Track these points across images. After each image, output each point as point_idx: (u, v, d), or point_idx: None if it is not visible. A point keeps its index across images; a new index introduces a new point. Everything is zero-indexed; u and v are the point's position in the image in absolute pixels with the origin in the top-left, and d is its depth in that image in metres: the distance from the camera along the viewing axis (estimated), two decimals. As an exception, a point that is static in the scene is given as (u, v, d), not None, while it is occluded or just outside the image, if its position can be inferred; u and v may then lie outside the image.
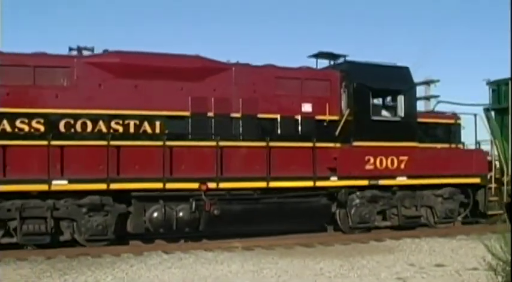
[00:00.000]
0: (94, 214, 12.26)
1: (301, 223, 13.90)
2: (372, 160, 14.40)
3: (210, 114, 13.37)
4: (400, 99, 14.89)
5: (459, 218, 16.18)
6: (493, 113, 18.36)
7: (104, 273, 9.80)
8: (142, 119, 12.82)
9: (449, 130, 15.89)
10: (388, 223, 15.21)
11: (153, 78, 12.89)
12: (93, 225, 12.21)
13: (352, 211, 14.45)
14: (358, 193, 14.48)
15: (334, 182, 14.03)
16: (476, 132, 16.08)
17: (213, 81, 13.44)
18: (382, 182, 14.52)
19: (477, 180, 15.82)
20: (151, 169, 12.61)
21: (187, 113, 13.18)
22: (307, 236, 14.24)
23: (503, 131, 17.46)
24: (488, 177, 16.04)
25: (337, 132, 14.12)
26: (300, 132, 14.06)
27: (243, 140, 13.58)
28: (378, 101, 15.27)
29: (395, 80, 14.86)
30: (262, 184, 13.31)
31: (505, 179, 16.58)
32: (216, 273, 9.85)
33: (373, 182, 14.39)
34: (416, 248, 12.75)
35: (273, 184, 13.43)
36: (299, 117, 14.12)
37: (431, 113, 16.11)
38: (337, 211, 14.62)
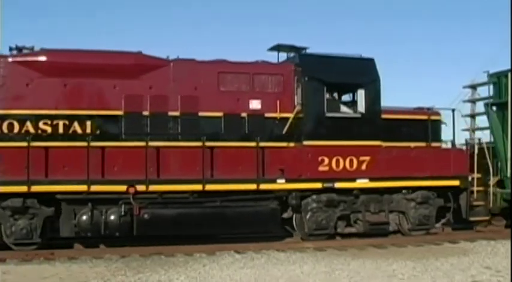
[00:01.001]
0: (19, 217, 11.95)
1: (246, 228, 12.98)
2: (326, 161, 13.28)
3: (146, 113, 12.73)
4: (361, 93, 13.62)
5: (438, 225, 14.65)
6: (494, 109, 16.69)
7: (177, 273, 9.91)
8: (71, 119, 12.37)
9: (425, 127, 14.36)
10: (353, 230, 13.98)
11: (83, 77, 12.42)
12: (17, 228, 11.90)
13: (308, 216, 13.39)
14: (314, 197, 13.39)
15: (281, 184, 13.03)
16: (454, 129, 14.56)
17: (149, 78, 12.79)
18: (338, 185, 13.36)
19: (456, 182, 14.30)
20: (79, 171, 12.15)
21: (120, 112, 12.61)
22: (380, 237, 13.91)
23: (505, 127, 15.78)
24: (470, 179, 14.44)
25: (284, 131, 13.08)
26: (246, 131, 13.12)
27: (182, 140, 12.83)
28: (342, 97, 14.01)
29: (355, 73, 13.60)
30: (197, 187, 12.54)
31: (492, 181, 14.98)
32: (288, 273, 9.88)
33: (327, 185, 13.26)
34: (492, 250, 12.29)
35: (210, 187, 12.62)
36: (245, 115, 13.16)
37: (402, 109, 14.62)
38: (294, 216, 13.59)
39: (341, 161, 13.37)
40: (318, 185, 13.21)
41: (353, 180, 13.45)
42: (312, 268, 10.31)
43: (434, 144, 14.38)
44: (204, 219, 12.59)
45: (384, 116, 13.98)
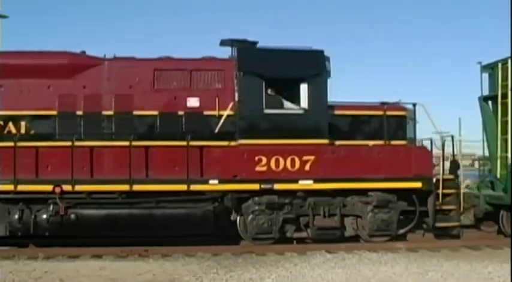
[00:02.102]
0: None
1: (176, 231, 12.55)
2: (264, 161, 12.58)
3: (79, 112, 12.68)
4: (303, 88, 12.76)
5: (402, 231, 13.46)
6: (490, 103, 15.19)
7: (268, 271, 10.01)
8: (6, 119, 12.55)
9: (388, 124, 13.20)
10: (304, 234, 13.16)
11: (18, 77, 12.55)
12: None
13: (249, 219, 12.77)
14: (256, 199, 12.74)
15: (214, 185, 12.49)
16: (415, 125, 13.27)
17: (83, 77, 12.74)
18: (278, 186, 12.60)
19: (417, 184, 13.05)
20: (9, 171, 12.30)
21: (53, 112, 12.64)
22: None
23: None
24: (435, 180, 13.15)
25: (217, 130, 12.54)
26: (183, 130, 12.72)
27: (115, 139, 12.65)
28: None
29: (298, 66, 12.77)
30: (125, 187, 12.31)
31: (464, 183, 13.55)
32: (380, 274, 9.83)
33: (265, 186, 12.56)
34: None
35: (138, 188, 12.35)
36: (183, 114, 12.77)
37: (357, 104, 13.53)
38: (238, 219, 13.02)
39: (281, 160, 12.62)
40: (255, 186, 12.54)
41: (295, 181, 12.63)
42: (404, 269, 10.19)
43: (396, 142, 13.18)
44: (132, 221, 12.33)
45: (337, 112, 13.05)
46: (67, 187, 12.25)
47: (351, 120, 13.22)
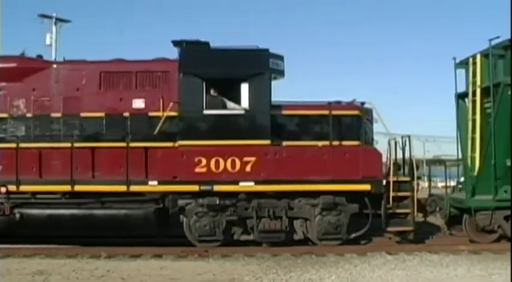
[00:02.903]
0: None
1: (118, 231, 12.64)
2: (204, 162, 12.48)
3: (29, 115, 13.03)
4: (244, 88, 12.57)
5: (354, 235, 12.97)
6: (466, 101, 14.46)
7: (328, 272, 10.08)
8: (-40, 122, 13.03)
9: (335, 124, 12.78)
10: (250, 237, 12.94)
11: None
12: None
13: (191, 221, 12.70)
14: (200, 200, 12.65)
15: (153, 187, 12.51)
16: (361, 125, 12.75)
17: (33, 81, 13.08)
18: (218, 188, 12.47)
19: (366, 187, 12.55)
20: None
21: (5, 115, 13.05)
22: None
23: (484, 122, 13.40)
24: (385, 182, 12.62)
25: (156, 131, 12.55)
26: (128, 131, 12.82)
27: (63, 141, 12.90)
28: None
29: (239, 66, 12.59)
30: (67, 188, 12.54)
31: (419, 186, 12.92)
32: (441, 276, 9.76)
33: (205, 188, 12.45)
34: None
35: (79, 188, 12.55)
36: (128, 115, 12.88)
37: (306, 104, 13.16)
38: (184, 221, 12.97)
39: (221, 162, 12.48)
40: (195, 188, 12.45)
41: (236, 183, 12.45)
42: (466, 271, 10.02)
43: (348, 142, 12.74)
44: (74, 221, 12.52)
45: (282, 112, 12.79)
46: (12, 187, 12.56)
47: (298, 120, 12.87)
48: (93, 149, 12.76)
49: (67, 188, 12.53)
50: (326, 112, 12.67)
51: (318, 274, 9.84)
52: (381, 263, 10.83)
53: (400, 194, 12.85)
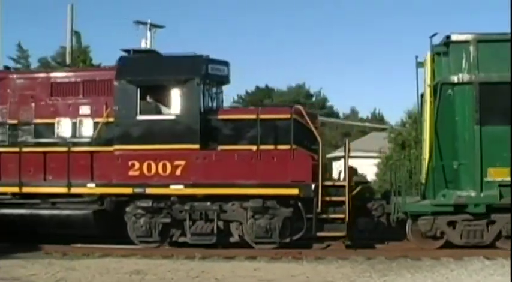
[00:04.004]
0: None
1: (62, 231, 13.35)
2: (137, 165, 12.93)
3: (-10, 123, 14.07)
4: (175, 94, 12.86)
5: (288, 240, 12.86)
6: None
7: (424, 277, 9.95)
8: None
9: (265, 128, 12.75)
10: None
11: None
12: None
13: (130, 223, 13.21)
14: (138, 203, 13.14)
15: (91, 189, 13.15)
16: (292, 130, 12.56)
17: (-7, 90, 14.09)
18: (150, 191, 12.87)
19: (294, 191, 12.43)
20: None
21: (-26, 122, 14.18)
22: None
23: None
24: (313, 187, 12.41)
25: (94, 136, 13.16)
26: (77, 136, 13.55)
27: (16, 145, 13.78)
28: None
29: (170, 72, 12.92)
30: (15, 189, 13.45)
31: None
32: None
33: (138, 191, 12.89)
34: None
35: (26, 190, 13.43)
36: (76, 121, 13.61)
37: (240, 108, 13.21)
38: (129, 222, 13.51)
39: (153, 165, 12.86)
40: (129, 190, 12.93)
41: (167, 186, 12.79)
42: None
43: (275, 146, 12.69)
44: (22, 220, 13.37)
45: (215, 116, 13.02)
46: (-33, 188, 13.61)
47: (232, 125, 12.99)
48: (44, 153, 13.54)
49: (15, 189, 13.42)
50: (254, 116, 12.66)
51: (413, 278, 9.67)
52: (478, 268, 10.43)
53: (335, 198, 12.57)
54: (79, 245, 12.95)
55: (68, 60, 26.53)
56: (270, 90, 54.25)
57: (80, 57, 30.13)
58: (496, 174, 12.11)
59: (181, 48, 68.05)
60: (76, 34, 29.31)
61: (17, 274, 10.28)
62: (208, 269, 10.61)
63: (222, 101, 14.80)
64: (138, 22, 28.85)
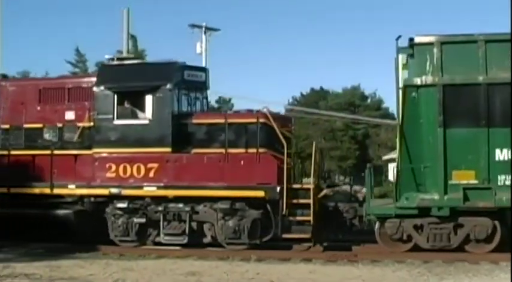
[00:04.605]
0: None
1: (44, 230, 13.99)
2: (113, 168, 13.48)
3: (-14, 127, 14.91)
4: (148, 99, 13.35)
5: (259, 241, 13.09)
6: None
7: (482, 281, 9.89)
8: None
9: (234, 131, 13.09)
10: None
11: None
12: None
13: (109, 223, 13.77)
14: (116, 203, 13.69)
15: (72, 190, 13.78)
16: (258, 133, 12.81)
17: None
18: (125, 192, 13.40)
19: (260, 193, 12.70)
20: None
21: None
22: None
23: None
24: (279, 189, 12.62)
25: (74, 139, 13.80)
26: (62, 140, 14.23)
27: (11, 149, 14.60)
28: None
29: (144, 79, 13.44)
30: (3, 190, 14.21)
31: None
32: None
33: (114, 192, 13.45)
34: None
35: (14, 190, 14.16)
36: (61, 125, 14.30)
37: (213, 113, 13.57)
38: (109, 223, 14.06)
39: (128, 168, 13.38)
40: (106, 192, 13.49)
41: (141, 187, 13.28)
42: None
43: (243, 150, 13.00)
44: (7, 220, 14.07)
45: (193, 121, 13.44)
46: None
47: (205, 129, 13.39)
48: (32, 156, 14.27)
49: (4, 190, 14.16)
50: (222, 121, 13.00)
51: (470, 283, 9.44)
52: (537, 272, 10.01)
53: (302, 201, 12.77)
54: (135, 246, 13.32)
55: None
56: (325, 92, 54.29)
57: None
58: (461, 177, 12.02)
59: (235, 51, 69.21)
60: (132, 38, 30.42)
61: (76, 274, 10.52)
62: (263, 271, 10.67)
63: (207, 105, 15.26)
64: (193, 25, 29.77)
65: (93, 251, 12.99)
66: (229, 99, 39.12)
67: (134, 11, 27.66)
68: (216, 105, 37.63)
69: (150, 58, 32.40)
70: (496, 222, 12.25)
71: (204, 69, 14.10)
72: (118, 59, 14.46)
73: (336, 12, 77.74)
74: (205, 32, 29.87)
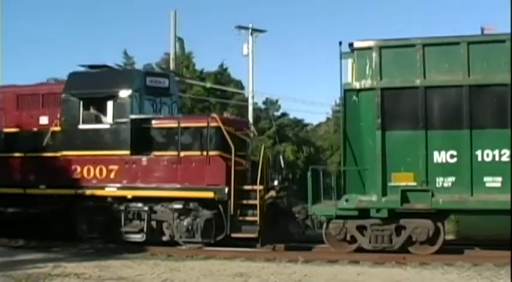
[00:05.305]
0: None
1: (24, 227, 14.90)
2: (78, 169, 14.28)
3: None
4: (109, 105, 14.10)
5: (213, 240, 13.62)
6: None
7: None
8: None
9: (187, 135, 13.69)
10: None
11: None
12: None
13: (78, 222, 14.58)
14: (83, 203, 14.48)
15: (43, 190, 14.64)
16: (208, 136, 13.33)
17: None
18: (89, 192, 14.19)
19: (209, 194, 13.25)
20: None
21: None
22: None
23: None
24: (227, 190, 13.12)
25: (44, 143, 14.68)
26: (36, 144, 15.12)
27: None
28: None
29: (106, 85, 14.19)
30: (-14, 190, 15.22)
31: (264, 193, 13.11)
32: None
33: (79, 192, 14.25)
34: None
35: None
36: (36, 130, 15.21)
37: (173, 116, 14.20)
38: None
39: (92, 169, 14.15)
40: (72, 192, 14.31)
41: (103, 188, 14.04)
42: None
43: (194, 152, 13.59)
44: None
45: (153, 125, 14.12)
46: None
47: (164, 132, 14.02)
48: (8, 158, 15.22)
49: None
50: (176, 124, 13.61)
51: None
52: None
53: (251, 202, 13.21)
54: (183, 247, 13.56)
55: (171, 66, 28.63)
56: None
57: (184, 63, 32.32)
58: (400, 179, 12.22)
59: (282, 52, 69.18)
60: (179, 40, 31.30)
61: (124, 274, 10.66)
62: (310, 273, 10.65)
63: (177, 109, 15.88)
64: (240, 27, 30.39)
65: (141, 251, 13.24)
66: (277, 101, 39.35)
67: (182, 13, 28.11)
68: (263, 107, 38.17)
69: (197, 60, 33.32)
70: (440, 224, 12.38)
71: (167, 76, 14.72)
72: (90, 66, 15.19)
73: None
74: (251, 33, 30.38)
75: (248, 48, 29.91)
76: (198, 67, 33.88)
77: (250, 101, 30.54)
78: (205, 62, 54.61)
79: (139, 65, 35.54)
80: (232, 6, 63.11)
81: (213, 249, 13.25)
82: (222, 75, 34.64)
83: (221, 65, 35.05)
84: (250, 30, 30.31)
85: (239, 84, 34.86)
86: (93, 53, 52.09)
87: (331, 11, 68.91)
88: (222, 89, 32.76)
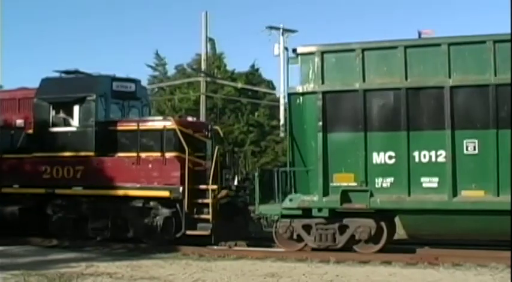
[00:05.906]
0: None
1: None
2: (48, 170, 15.11)
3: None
4: (76, 109, 14.88)
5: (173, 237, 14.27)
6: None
7: None
8: None
9: (146, 137, 14.40)
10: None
11: None
12: None
13: (50, 220, 15.41)
14: (53, 201, 15.32)
15: (16, 189, 15.53)
16: (163, 138, 13.98)
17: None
18: (58, 191, 15.01)
19: (166, 193, 13.93)
20: None
21: None
22: None
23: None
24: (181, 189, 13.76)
25: (18, 145, 15.57)
26: (11, 144, 16.05)
27: None
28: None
29: (72, 91, 14.97)
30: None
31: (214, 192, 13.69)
32: None
33: (49, 191, 15.08)
34: None
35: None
36: (13, 132, 16.13)
37: (135, 119, 14.92)
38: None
39: (60, 170, 14.97)
40: (42, 191, 15.15)
41: (70, 187, 14.85)
42: None
43: (151, 154, 14.29)
44: None
45: (118, 127, 14.86)
46: None
47: (128, 135, 14.72)
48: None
49: None
50: (136, 127, 14.32)
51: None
52: None
53: (206, 201, 13.82)
54: (215, 247, 13.79)
55: (203, 67, 29.25)
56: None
57: (215, 64, 32.86)
58: (341, 180, 12.62)
59: None
60: (211, 41, 31.72)
61: (156, 274, 10.74)
62: (342, 273, 10.66)
63: (148, 112, 16.60)
64: (271, 27, 30.65)
65: (173, 251, 13.39)
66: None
67: (213, 13, 28.16)
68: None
69: (228, 61, 33.62)
70: (382, 223, 12.75)
71: (134, 81, 15.49)
72: (63, 72, 16.00)
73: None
74: (282, 34, 30.57)
75: (279, 48, 29.97)
76: (229, 67, 33.76)
77: (281, 101, 30.30)
78: (237, 63, 54.95)
79: (170, 66, 36.14)
80: (263, 7, 63.28)
81: (244, 249, 13.64)
82: (253, 75, 34.53)
83: (252, 65, 34.89)
84: (281, 31, 30.45)
85: (270, 85, 34.90)
86: (125, 54, 52.85)
87: (361, 11, 68.54)
88: (253, 89, 32.77)
